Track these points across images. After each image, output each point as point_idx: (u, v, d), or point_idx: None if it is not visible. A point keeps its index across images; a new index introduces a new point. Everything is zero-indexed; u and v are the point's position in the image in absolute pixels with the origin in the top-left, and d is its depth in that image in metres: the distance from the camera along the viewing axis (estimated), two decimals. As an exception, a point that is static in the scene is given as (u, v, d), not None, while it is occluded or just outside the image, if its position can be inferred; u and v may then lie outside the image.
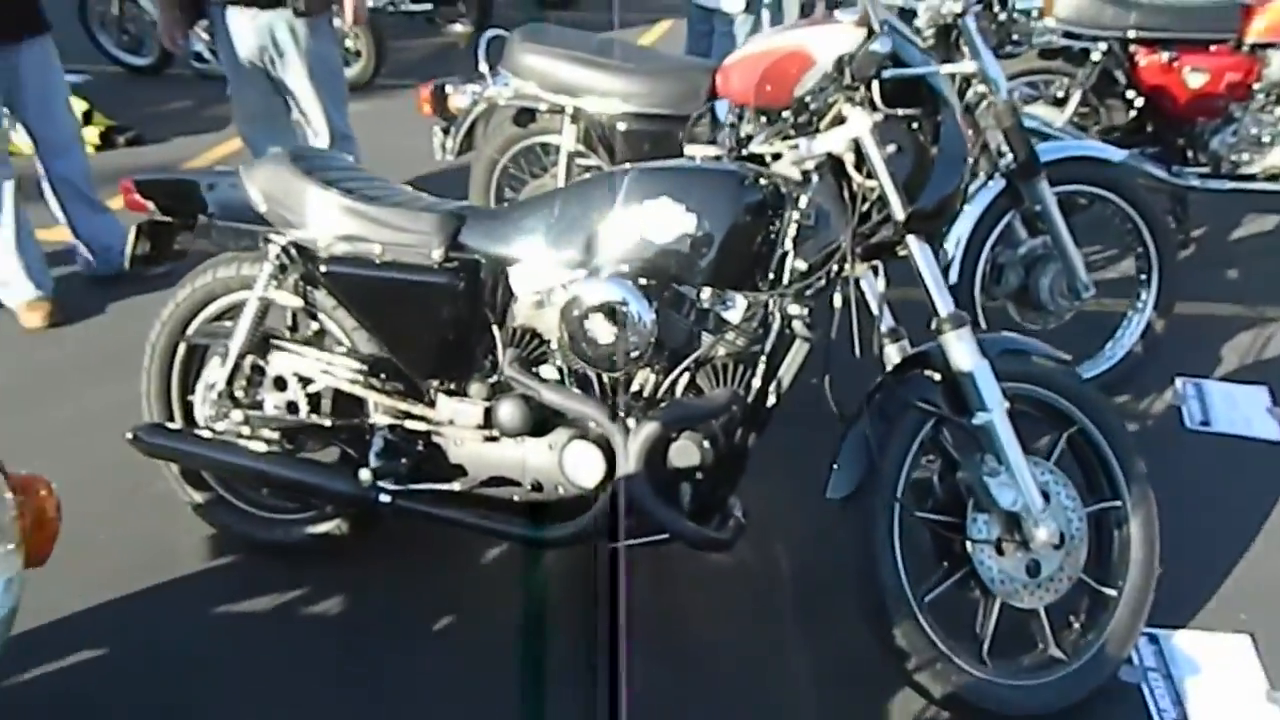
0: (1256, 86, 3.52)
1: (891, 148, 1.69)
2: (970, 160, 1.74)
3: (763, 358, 1.81)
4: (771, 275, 1.78)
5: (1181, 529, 2.03)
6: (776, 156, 1.79)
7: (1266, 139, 3.57)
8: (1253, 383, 2.90)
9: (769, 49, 2.67)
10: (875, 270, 1.84)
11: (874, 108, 1.72)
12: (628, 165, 1.83)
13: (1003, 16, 2.50)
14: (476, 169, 3.29)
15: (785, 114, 1.81)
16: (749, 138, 1.87)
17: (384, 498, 1.95)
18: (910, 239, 1.73)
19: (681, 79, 2.78)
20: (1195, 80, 3.53)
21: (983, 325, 2.68)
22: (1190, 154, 3.69)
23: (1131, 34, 3.54)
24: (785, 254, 1.77)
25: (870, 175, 1.72)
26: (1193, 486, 2.50)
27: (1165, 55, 3.52)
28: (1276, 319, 3.26)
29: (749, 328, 1.81)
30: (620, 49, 2.92)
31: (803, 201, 1.75)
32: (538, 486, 1.92)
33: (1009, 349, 1.87)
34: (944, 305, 1.74)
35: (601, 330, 1.75)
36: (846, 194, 1.77)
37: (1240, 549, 2.28)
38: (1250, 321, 3.25)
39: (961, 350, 1.73)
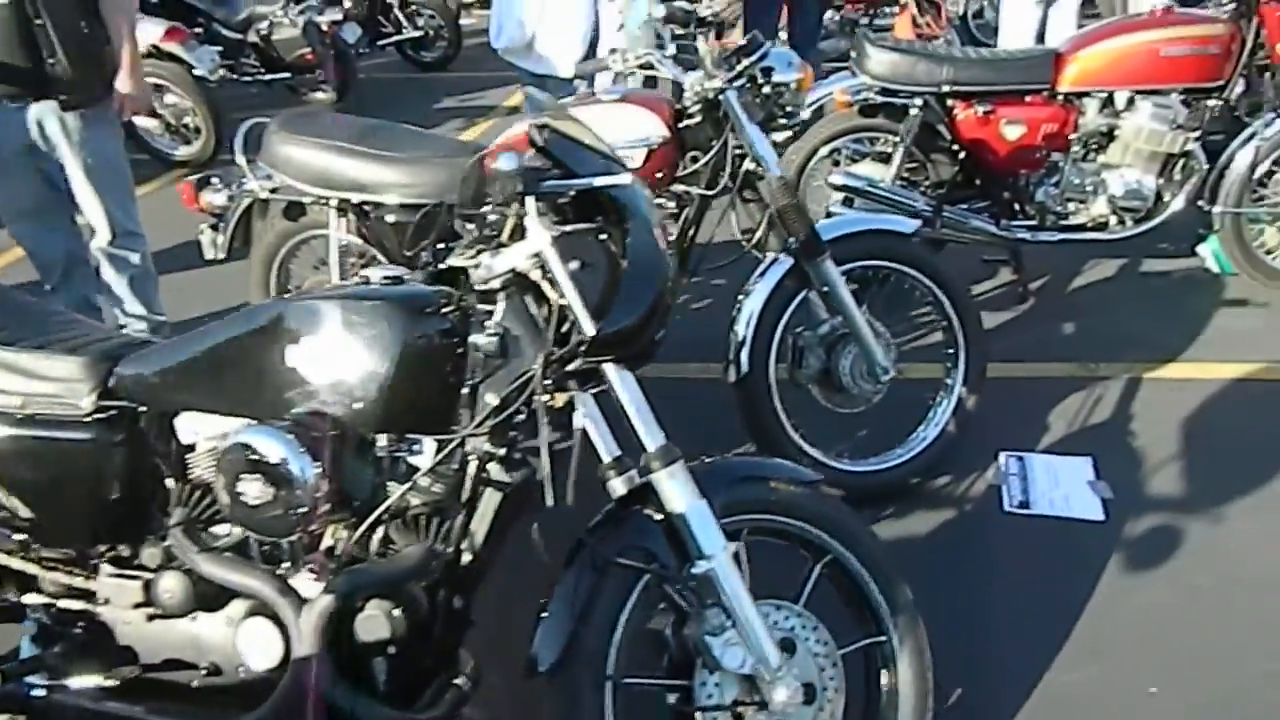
0: (1074, 136, 3.44)
1: (575, 264, 1.47)
2: (668, 275, 1.52)
3: (461, 508, 1.57)
4: (463, 411, 1.55)
5: (988, 630, 1.83)
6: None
7: (1089, 188, 3.49)
8: (1078, 453, 2.75)
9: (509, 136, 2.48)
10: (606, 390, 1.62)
11: (557, 220, 1.51)
12: (289, 295, 1.59)
13: (767, 89, 2.32)
14: (253, 266, 3.02)
15: (469, 224, 1.59)
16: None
17: (36, 692, 1.65)
18: (608, 367, 1.51)
19: (448, 166, 2.55)
20: (1012, 132, 3.44)
21: (781, 414, 2.48)
22: (1017, 206, 3.59)
23: (946, 88, 3.43)
24: (477, 386, 1.54)
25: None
26: (1003, 579, 2.32)
27: (981, 108, 3.42)
28: (1109, 376, 3.14)
29: (444, 473, 1.56)
30: (386, 134, 2.68)
31: (490, 325, 1.52)
32: (215, 670, 1.64)
33: (748, 475, 1.66)
34: (651, 439, 1.52)
35: (255, 490, 1.49)
36: (543, 315, 1.54)
37: (1048, 654, 2.09)
38: (1082, 381, 3.12)
39: (673, 490, 1.51)
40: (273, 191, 2.71)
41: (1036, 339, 3.42)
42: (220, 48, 7.11)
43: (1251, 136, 3.45)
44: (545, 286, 1.52)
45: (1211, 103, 3.38)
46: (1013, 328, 3.51)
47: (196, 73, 5.39)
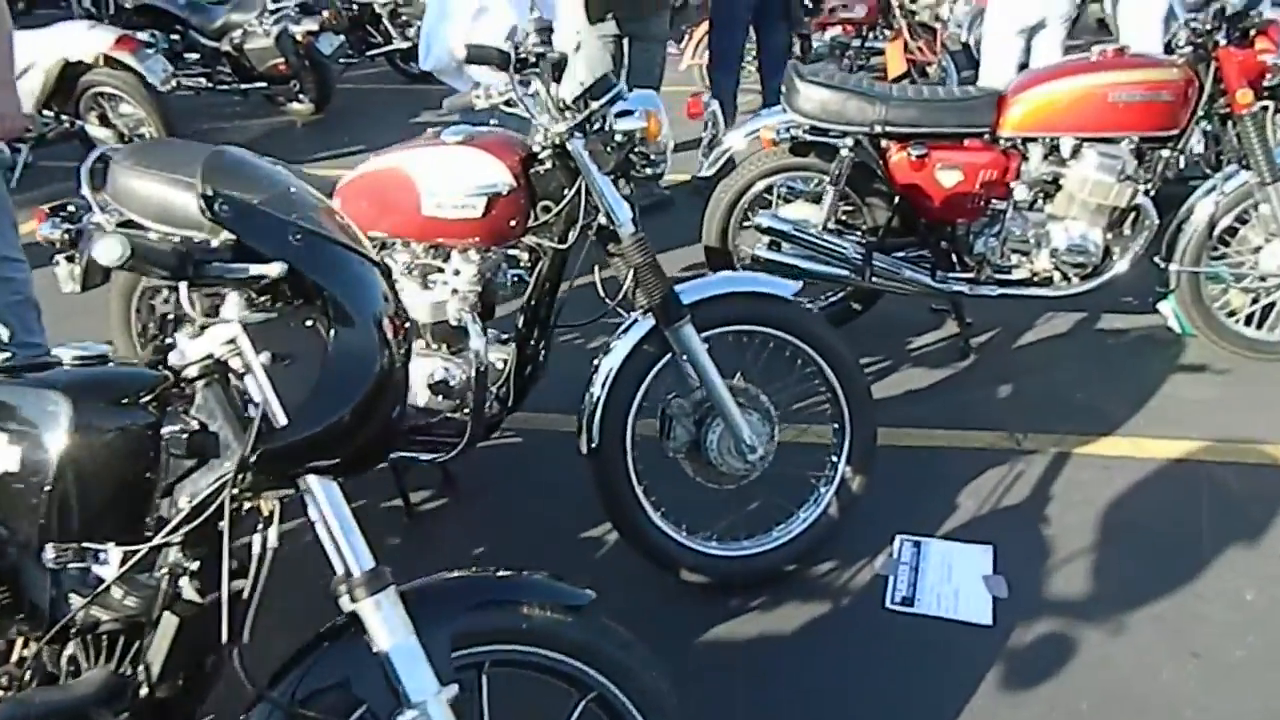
0: (1015, 184, 3.18)
1: (265, 357, 1.26)
2: (383, 373, 1.30)
3: (152, 628, 1.36)
4: (157, 517, 1.34)
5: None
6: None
7: (1032, 240, 3.23)
8: (981, 540, 2.50)
9: (374, 168, 2.28)
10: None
11: (267, 299, 1.30)
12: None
13: (620, 138, 2.10)
14: (112, 301, 2.85)
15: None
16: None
17: None
18: (310, 478, 1.30)
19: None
20: (948, 178, 3.19)
21: (637, 489, 2.26)
22: (955, 257, 3.34)
23: (878, 128, 3.19)
24: (172, 487, 1.33)
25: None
26: (870, 689, 2.08)
27: (915, 151, 3.17)
28: (1035, 450, 2.88)
29: (139, 586, 1.36)
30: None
31: (186, 419, 1.32)
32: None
33: (493, 598, 1.43)
34: (355, 562, 1.30)
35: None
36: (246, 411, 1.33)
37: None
38: (1005, 455, 2.86)
39: (379, 623, 1.29)
40: (121, 225, 2.52)
41: (965, 402, 3.16)
42: (197, 55, 7.05)
43: (1211, 190, 3.18)
44: (248, 378, 1.31)
45: (1165, 153, 3.11)
46: (943, 389, 3.26)
47: (149, 82, 5.26)
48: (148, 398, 1.33)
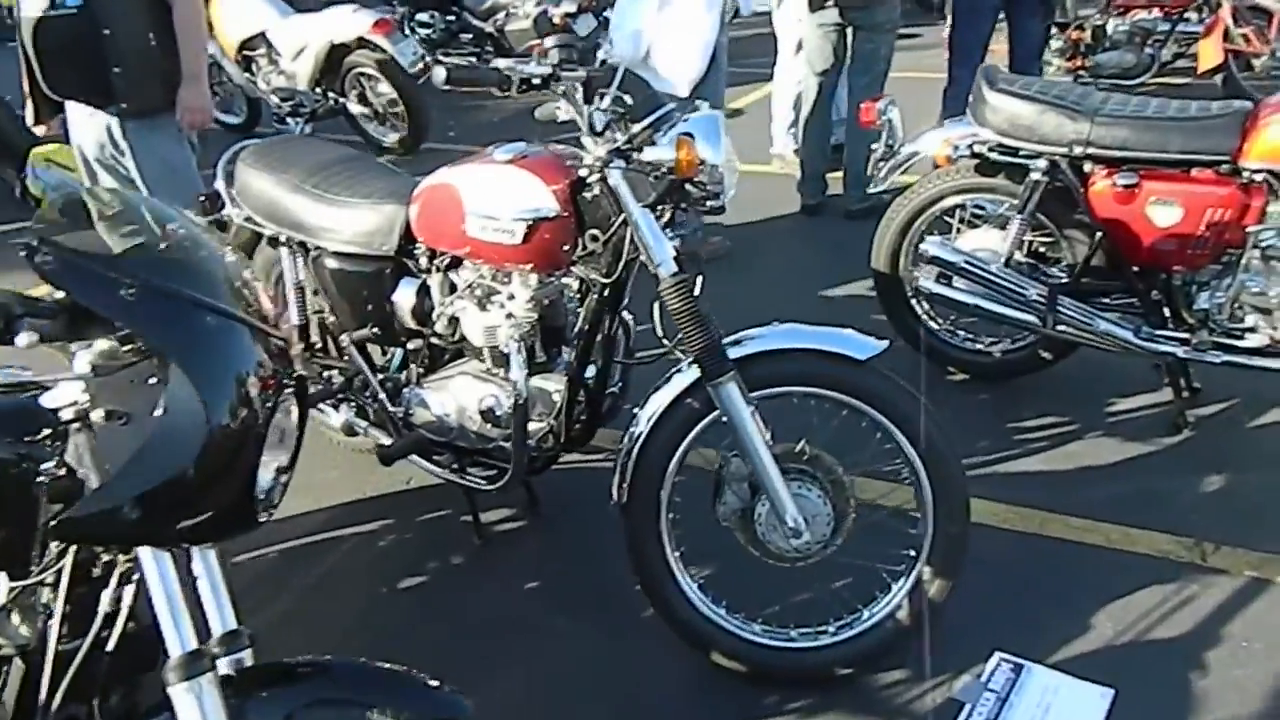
0: (1256, 229, 2.51)
1: (100, 414, 1.19)
2: (211, 442, 1.17)
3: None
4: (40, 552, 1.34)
5: None
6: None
7: (1275, 300, 2.54)
8: (1100, 681, 2.00)
9: (434, 182, 2.20)
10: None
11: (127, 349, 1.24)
12: None
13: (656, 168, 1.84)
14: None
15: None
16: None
17: None
18: (143, 550, 1.22)
19: (378, 213, 2.33)
20: (1164, 215, 2.59)
21: (670, 556, 2.02)
22: (1168, 311, 2.72)
23: (1078, 149, 2.65)
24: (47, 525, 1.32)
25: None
26: None
27: (1123, 180, 2.60)
28: (1223, 570, 2.27)
29: (30, 616, 1.37)
30: (346, 170, 2.50)
31: (61, 460, 1.29)
32: None
33: (333, 699, 1.28)
34: (177, 642, 1.20)
35: None
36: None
37: None
38: (1178, 569, 2.29)
39: (188, 712, 1.19)
40: (246, 220, 2.63)
41: (1153, 492, 2.56)
42: (469, 35, 7.43)
43: None
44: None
45: None
46: (1130, 469, 2.68)
47: (400, 63, 5.58)
48: (36, 434, 1.32)
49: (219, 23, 5.89)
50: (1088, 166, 2.68)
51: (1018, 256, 2.91)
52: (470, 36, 7.38)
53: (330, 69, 5.82)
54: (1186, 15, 6.15)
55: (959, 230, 3.05)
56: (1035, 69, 4.58)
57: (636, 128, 1.85)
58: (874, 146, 3.09)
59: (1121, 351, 2.76)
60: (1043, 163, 2.70)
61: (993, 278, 2.83)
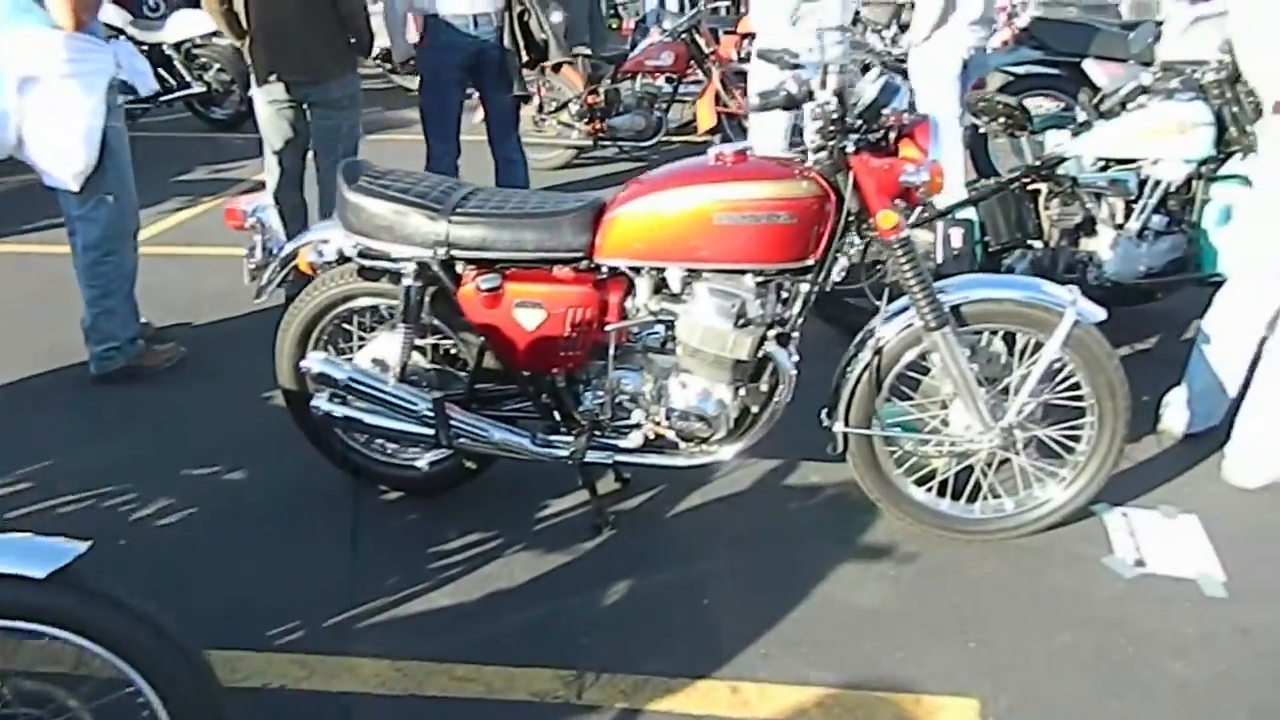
0: (617, 326, 2.42)
1: None
2: None
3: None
4: None
5: None
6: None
7: (648, 396, 2.48)
8: None
9: None
10: None
11: None
12: None
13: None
14: None
15: None
16: None
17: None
18: None
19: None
20: (528, 318, 2.44)
21: None
22: (559, 415, 2.57)
23: (441, 251, 2.43)
24: None
25: None
26: None
27: (484, 284, 2.41)
28: (595, 706, 2.10)
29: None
30: None
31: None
32: None
33: None
34: None
35: None
36: None
37: None
38: (555, 711, 2.09)
39: None
40: None
41: (549, 614, 2.36)
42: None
43: (869, 336, 2.45)
44: None
45: (804, 287, 2.38)
46: (537, 590, 2.48)
47: None
48: None
49: None
50: (460, 268, 2.47)
51: (422, 364, 2.67)
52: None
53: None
54: (686, 80, 6.52)
55: (361, 339, 2.74)
56: (513, 142, 4.50)
57: None
58: (247, 254, 2.70)
59: (530, 459, 2.58)
60: (412, 266, 2.46)
61: (381, 393, 2.54)
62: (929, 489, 2.60)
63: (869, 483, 2.56)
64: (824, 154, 2.28)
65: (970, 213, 3.61)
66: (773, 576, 2.49)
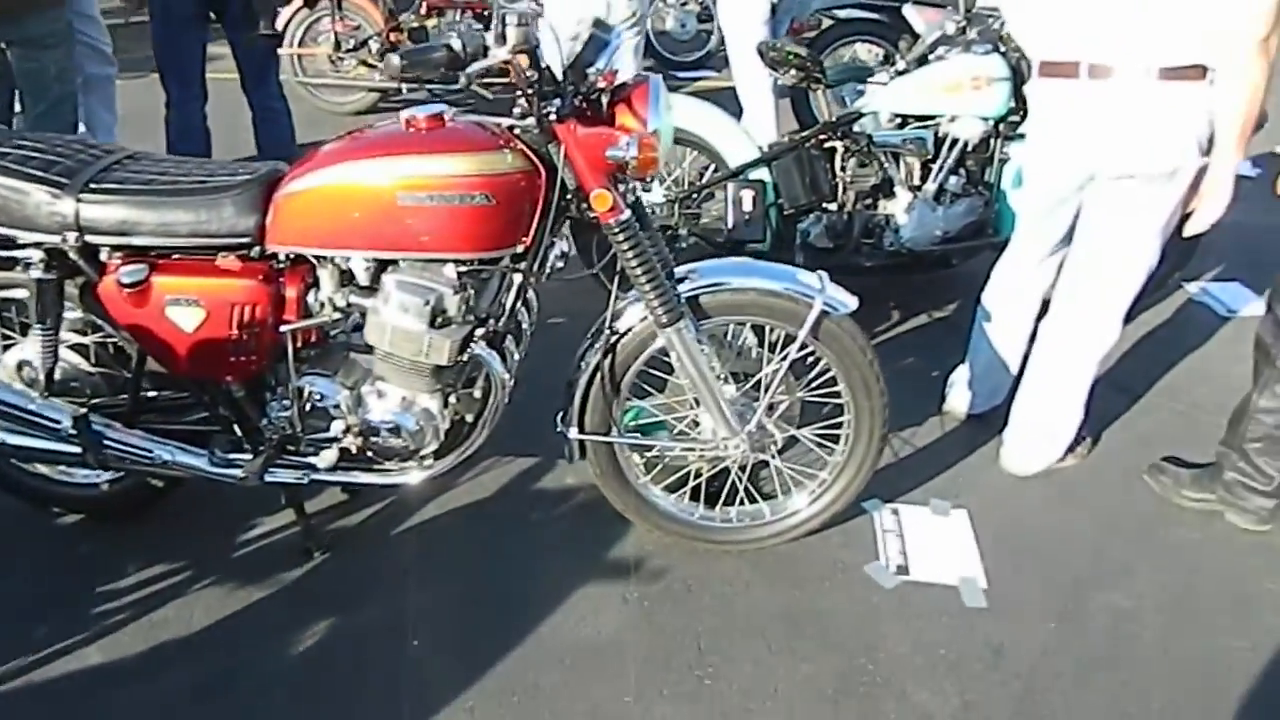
0: (294, 324, 2.02)
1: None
2: None
3: None
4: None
5: None
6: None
7: (340, 408, 2.08)
8: None
9: None
10: None
11: None
12: None
13: None
14: None
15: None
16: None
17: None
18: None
19: None
20: (186, 318, 2.01)
21: None
22: (241, 429, 2.17)
23: (70, 237, 1.96)
24: None
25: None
26: None
27: (127, 278, 1.96)
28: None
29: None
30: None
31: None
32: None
33: None
34: None
35: None
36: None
37: None
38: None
39: None
40: None
41: (225, 671, 2.01)
42: None
43: (601, 331, 2.13)
44: None
45: (517, 278, 2.02)
46: (221, 638, 2.10)
47: None
48: None
49: None
50: (104, 256, 2.02)
51: (84, 368, 2.21)
52: None
53: None
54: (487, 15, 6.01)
55: (9, 340, 2.26)
56: (272, 89, 3.96)
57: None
58: None
59: (210, 480, 2.18)
60: (39, 254, 2.00)
61: (16, 407, 2.08)
62: (682, 494, 2.32)
63: (612, 492, 2.27)
64: (530, 120, 1.91)
65: (764, 173, 3.33)
66: (497, 607, 2.17)
